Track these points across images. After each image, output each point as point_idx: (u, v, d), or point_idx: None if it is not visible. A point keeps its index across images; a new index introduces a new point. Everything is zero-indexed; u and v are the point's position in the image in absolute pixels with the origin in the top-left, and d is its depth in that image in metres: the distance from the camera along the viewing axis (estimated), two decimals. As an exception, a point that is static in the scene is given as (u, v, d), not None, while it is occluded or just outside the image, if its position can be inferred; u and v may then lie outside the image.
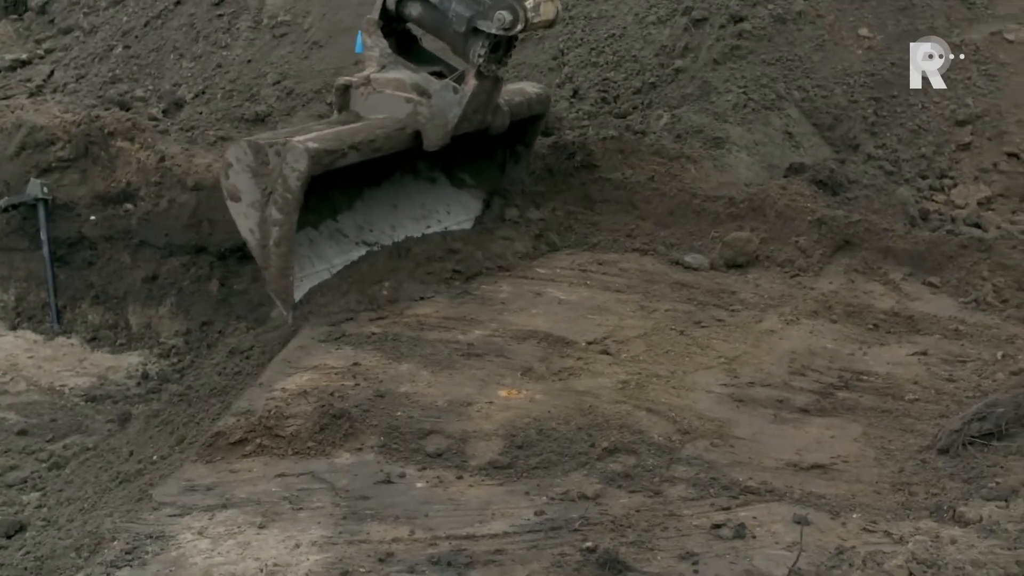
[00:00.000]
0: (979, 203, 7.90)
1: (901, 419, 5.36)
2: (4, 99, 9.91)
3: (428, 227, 7.35)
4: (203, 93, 9.53)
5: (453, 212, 7.56)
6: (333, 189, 6.85)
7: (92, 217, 8.72)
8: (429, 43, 7.49)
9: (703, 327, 6.37)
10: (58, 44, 11.00)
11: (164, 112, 9.40)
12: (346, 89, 7.06)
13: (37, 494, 6.13)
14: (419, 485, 4.79)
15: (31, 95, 9.93)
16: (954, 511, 4.37)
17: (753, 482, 4.71)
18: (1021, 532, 4.12)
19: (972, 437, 4.90)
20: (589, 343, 6.12)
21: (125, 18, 10.62)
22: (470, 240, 7.32)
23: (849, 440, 5.16)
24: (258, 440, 5.10)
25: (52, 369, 8.26)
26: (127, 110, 9.21)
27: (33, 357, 8.44)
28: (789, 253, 7.18)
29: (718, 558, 4.13)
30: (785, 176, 7.88)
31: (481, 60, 6.68)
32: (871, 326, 6.39)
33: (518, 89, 7.66)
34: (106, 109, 9.07)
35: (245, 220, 6.45)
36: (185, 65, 9.90)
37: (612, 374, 5.75)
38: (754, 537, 4.26)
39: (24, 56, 10.89)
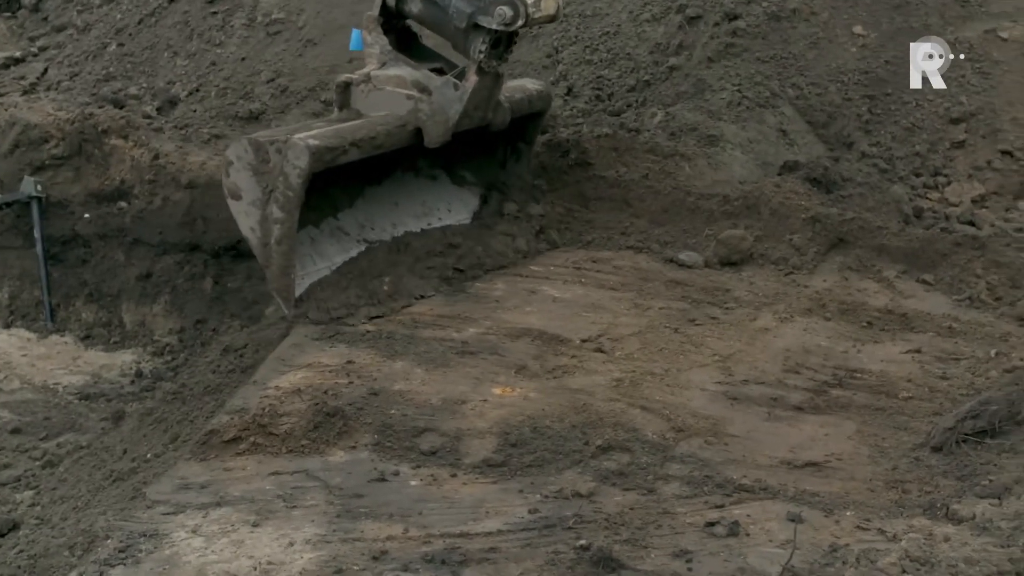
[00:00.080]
0: (973, 201, 7.91)
1: (895, 417, 5.36)
2: (-2, 97, 9.90)
3: (429, 224, 7.35)
4: (197, 91, 9.52)
5: (454, 210, 7.56)
6: (334, 187, 6.84)
7: (86, 215, 8.71)
8: (428, 39, 7.49)
9: (697, 325, 6.38)
10: (52, 42, 10.99)
11: (158, 110, 9.39)
12: (347, 86, 7.05)
13: (31, 492, 6.13)
14: (413, 483, 4.78)
15: (25, 93, 9.91)
16: (947, 509, 4.37)
17: (747, 480, 4.72)
18: (1014, 530, 4.13)
19: (966, 435, 4.91)
20: (583, 341, 6.12)
21: (119, 16, 10.60)
22: (470, 235, 7.32)
23: (843, 438, 5.17)
24: (252, 438, 5.10)
25: (46, 367, 8.26)
26: (121, 108, 9.20)
27: (27, 355, 8.44)
28: (783, 251, 7.18)
29: (712, 556, 4.14)
30: (779, 174, 7.89)
31: (482, 56, 6.68)
32: (865, 324, 6.39)
33: (519, 86, 7.67)
34: (100, 107, 9.06)
35: (246, 218, 6.43)
36: (179, 63, 9.89)
37: (606, 372, 5.76)
38: (748, 535, 4.27)
39: (18, 54, 10.88)
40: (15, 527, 5.55)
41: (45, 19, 11.42)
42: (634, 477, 4.76)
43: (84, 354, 8.49)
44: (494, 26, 6.55)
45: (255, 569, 4.14)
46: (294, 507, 4.59)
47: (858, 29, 8.70)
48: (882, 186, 7.84)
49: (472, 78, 6.77)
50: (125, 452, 6.04)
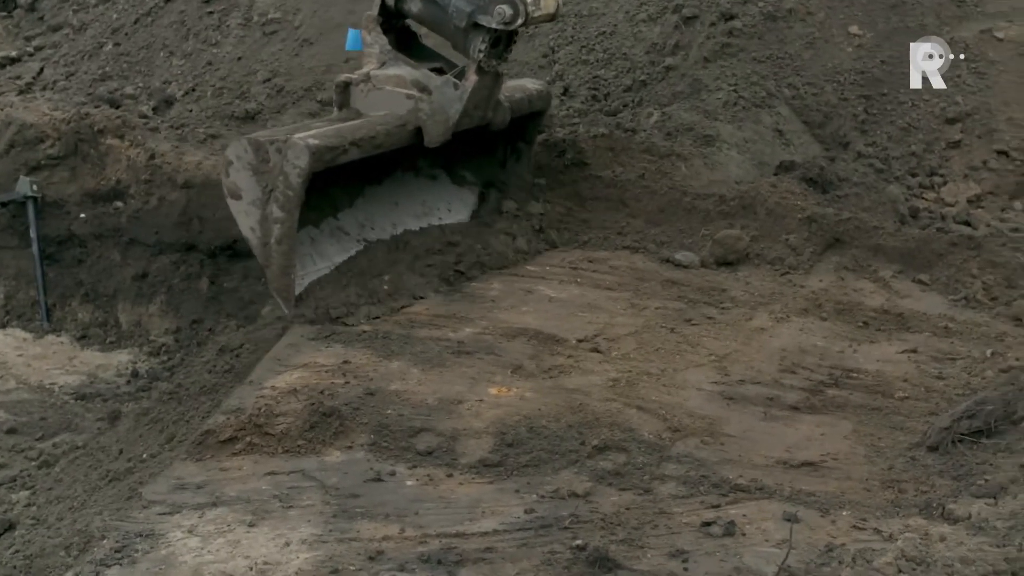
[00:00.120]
0: (969, 201, 7.91)
1: (891, 417, 5.37)
2: (-7, 97, 9.89)
3: (429, 224, 7.35)
4: (193, 91, 9.51)
5: (454, 209, 7.56)
6: (334, 186, 6.84)
7: (82, 215, 8.71)
8: (428, 39, 7.48)
9: (693, 325, 6.38)
10: (48, 41, 10.97)
11: (154, 110, 9.38)
12: (346, 86, 7.05)
13: (26, 492, 6.13)
14: (409, 483, 4.78)
15: (20, 92, 9.89)
16: (943, 508, 4.38)
17: (743, 480, 4.72)
18: (1010, 529, 4.13)
19: (961, 435, 4.91)
20: (579, 341, 6.12)
21: (115, 15, 10.59)
22: (469, 233, 7.32)
23: (839, 438, 5.17)
24: (248, 438, 5.10)
25: (42, 367, 8.25)
26: (117, 108, 9.19)
27: (23, 355, 8.43)
28: (779, 251, 7.19)
29: (708, 556, 4.14)
30: (775, 174, 7.89)
31: (481, 55, 6.68)
32: (861, 324, 6.40)
33: (519, 85, 7.67)
34: (96, 107, 9.05)
35: (246, 218, 6.41)
36: (175, 62, 9.88)
37: (602, 372, 5.76)
38: (744, 535, 4.27)
39: (13, 53, 10.86)
40: (11, 527, 5.55)
41: (41, 19, 11.39)
42: (630, 477, 4.76)
43: (80, 354, 8.48)
44: (494, 25, 6.55)
45: (251, 569, 4.13)
46: (290, 507, 4.59)
47: (854, 29, 8.71)
48: (878, 186, 7.84)
49: (472, 77, 6.77)
50: (121, 452, 6.04)
